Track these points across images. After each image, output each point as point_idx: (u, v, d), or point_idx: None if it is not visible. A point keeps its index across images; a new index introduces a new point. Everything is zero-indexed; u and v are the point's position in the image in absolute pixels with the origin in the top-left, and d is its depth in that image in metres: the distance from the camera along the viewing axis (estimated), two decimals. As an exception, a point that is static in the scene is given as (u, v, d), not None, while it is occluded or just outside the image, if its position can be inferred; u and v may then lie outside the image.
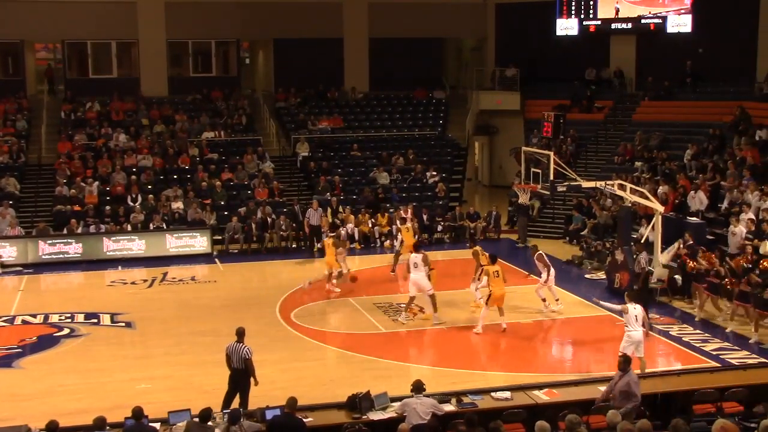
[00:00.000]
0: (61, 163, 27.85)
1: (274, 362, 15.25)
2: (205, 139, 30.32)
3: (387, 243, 26.26)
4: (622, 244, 20.79)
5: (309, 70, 33.56)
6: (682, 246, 20.33)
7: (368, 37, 34.53)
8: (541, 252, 19.39)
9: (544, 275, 19.01)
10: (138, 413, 10.67)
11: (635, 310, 14.51)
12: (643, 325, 14.68)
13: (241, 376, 12.85)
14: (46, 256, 24.20)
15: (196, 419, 10.73)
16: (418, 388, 11.44)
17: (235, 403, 12.60)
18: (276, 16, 33.40)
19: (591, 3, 32.65)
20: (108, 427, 10.68)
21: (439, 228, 26.95)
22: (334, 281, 20.78)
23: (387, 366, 15.79)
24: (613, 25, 32.47)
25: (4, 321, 18.81)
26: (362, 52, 34.65)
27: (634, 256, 20.13)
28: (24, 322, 18.79)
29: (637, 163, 27.62)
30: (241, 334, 13.09)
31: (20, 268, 23.66)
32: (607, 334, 17.14)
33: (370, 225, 26.57)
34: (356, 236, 26.21)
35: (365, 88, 34.78)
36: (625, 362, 11.98)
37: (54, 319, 18.88)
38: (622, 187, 20.65)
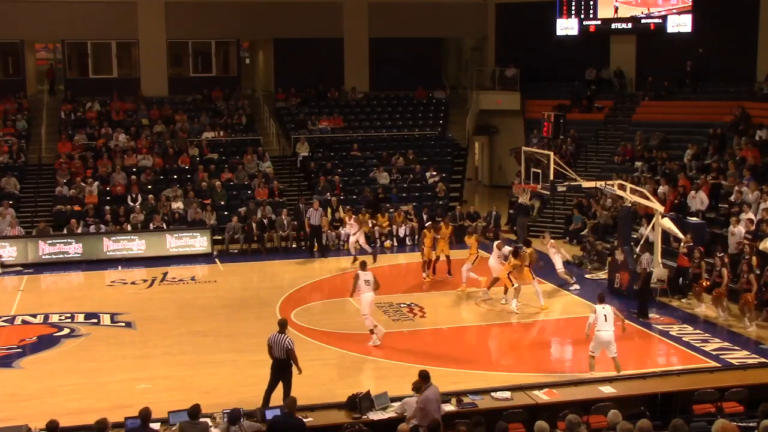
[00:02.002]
0: (61, 163, 27.85)
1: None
2: (205, 139, 30.32)
3: (387, 243, 26.30)
4: (622, 244, 20.79)
5: (309, 70, 33.56)
6: (683, 245, 20.30)
7: (368, 37, 34.50)
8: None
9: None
10: (145, 416, 10.63)
11: (604, 309, 14.61)
12: (615, 319, 14.68)
13: (283, 365, 13.11)
14: (46, 256, 24.20)
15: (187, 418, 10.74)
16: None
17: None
18: (276, 16, 33.39)
19: (591, 3, 32.63)
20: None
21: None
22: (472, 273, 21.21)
23: (387, 366, 15.79)
24: (613, 25, 32.45)
25: (4, 321, 18.81)
26: (362, 52, 34.63)
27: (635, 256, 20.13)
28: (24, 322, 18.78)
29: (637, 163, 27.59)
30: (283, 325, 13.39)
31: (20, 268, 23.67)
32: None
33: (370, 225, 26.54)
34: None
35: (365, 88, 34.76)
36: (421, 378, 11.23)
37: (54, 319, 18.88)
38: (622, 187, 20.64)
